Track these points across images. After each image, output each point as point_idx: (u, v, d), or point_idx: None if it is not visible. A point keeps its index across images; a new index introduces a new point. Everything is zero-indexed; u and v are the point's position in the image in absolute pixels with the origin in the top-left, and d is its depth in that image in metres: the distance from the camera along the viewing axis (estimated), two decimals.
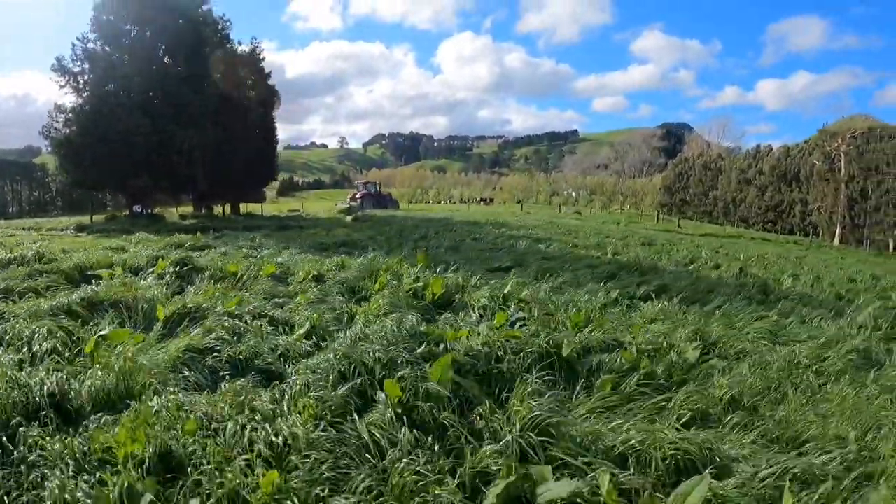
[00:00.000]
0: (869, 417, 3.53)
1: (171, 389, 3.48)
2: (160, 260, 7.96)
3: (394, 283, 6.77)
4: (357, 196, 44.12)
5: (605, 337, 4.88)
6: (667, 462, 2.81)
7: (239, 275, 7.27)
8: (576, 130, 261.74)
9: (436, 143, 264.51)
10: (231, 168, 27.52)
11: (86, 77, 22.41)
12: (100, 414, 3.18)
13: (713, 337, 5.28)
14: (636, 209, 43.62)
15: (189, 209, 29.04)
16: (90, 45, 22.57)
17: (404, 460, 2.73)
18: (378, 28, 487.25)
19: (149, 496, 2.47)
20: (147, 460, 2.73)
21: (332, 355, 3.84)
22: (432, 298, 6.15)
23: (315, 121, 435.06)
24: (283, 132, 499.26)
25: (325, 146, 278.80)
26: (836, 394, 3.98)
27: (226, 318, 5.03)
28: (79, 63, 22.41)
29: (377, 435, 2.94)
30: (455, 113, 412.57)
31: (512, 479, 2.58)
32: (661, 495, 2.54)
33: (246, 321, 5.04)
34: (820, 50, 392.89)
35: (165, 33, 23.39)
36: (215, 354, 4.16)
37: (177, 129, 22.64)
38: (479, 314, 5.64)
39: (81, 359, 4.11)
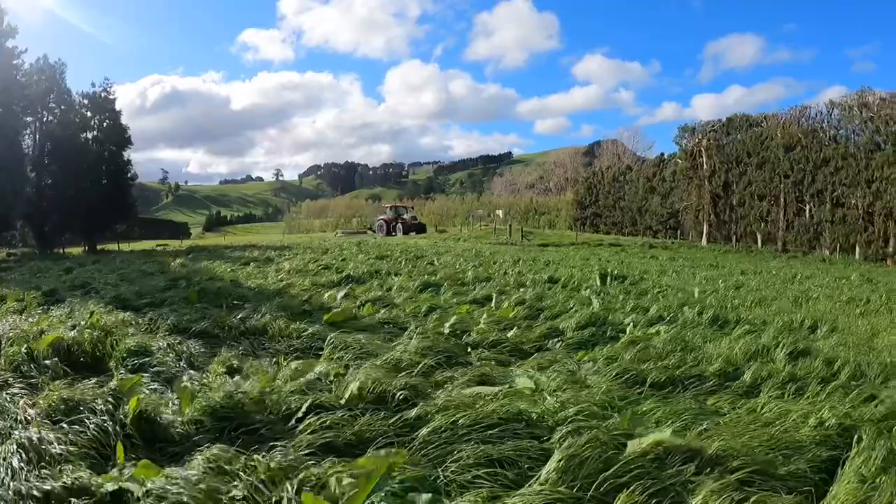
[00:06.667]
0: None
1: None
2: None
3: None
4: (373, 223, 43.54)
5: None
6: None
7: None
8: (510, 152, 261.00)
9: (371, 172, 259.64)
10: (76, 208, 27.58)
11: None
12: None
13: None
14: (548, 227, 42.83)
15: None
16: None
17: None
18: (330, 58, 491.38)
19: None
20: None
21: None
22: None
23: (258, 153, 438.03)
24: (226, 166, 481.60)
25: (260, 179, 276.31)
26: None
27: None
28: None
29: None
30: (398, 141, 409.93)
31: None
32: None
33: None
34: (754, 65, 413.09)
35: None
36: None
37: None
38: None
39: None
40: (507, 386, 3.88)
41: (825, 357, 5.26)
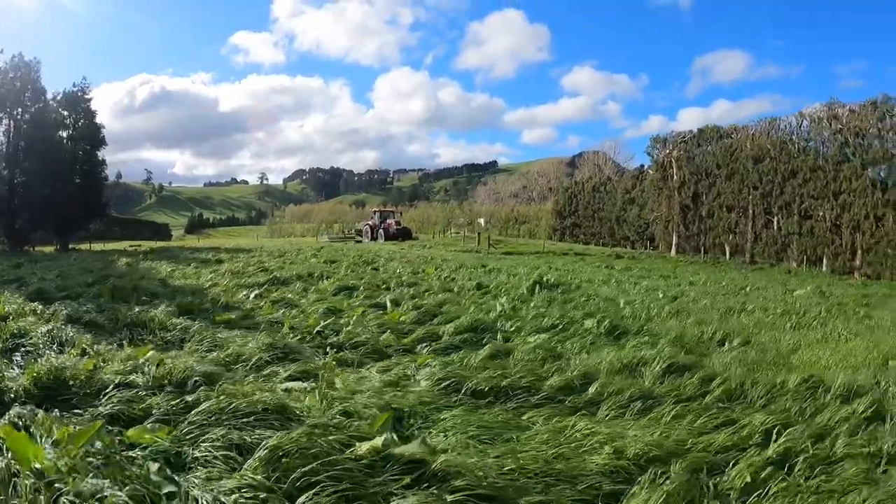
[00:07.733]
0: None
1: None
2: None
3: None
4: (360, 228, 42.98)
5: None
6: None
7: None
8: (495, 161, 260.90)
9: (356, 178, 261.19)
10: (48, 207, 27.64)
11: None
12: None
13: None
14: (528, 236, 43.11)
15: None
16: None
17: None
18: (321, 63, 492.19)
19: None
20: None
21: None
22: None
23: (244, 156, 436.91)
24: (212, 168, 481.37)
25: (245, 182, 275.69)
26: None
27: None
28: None
29: None
30: (385, 148, 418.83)
31: None
32: None
33: None
34: (742, 80, 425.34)
35: None
36: None
37: None
38: None
39: None
40: (319, 383, 4.08)
41: (706, 374, 4.79)
